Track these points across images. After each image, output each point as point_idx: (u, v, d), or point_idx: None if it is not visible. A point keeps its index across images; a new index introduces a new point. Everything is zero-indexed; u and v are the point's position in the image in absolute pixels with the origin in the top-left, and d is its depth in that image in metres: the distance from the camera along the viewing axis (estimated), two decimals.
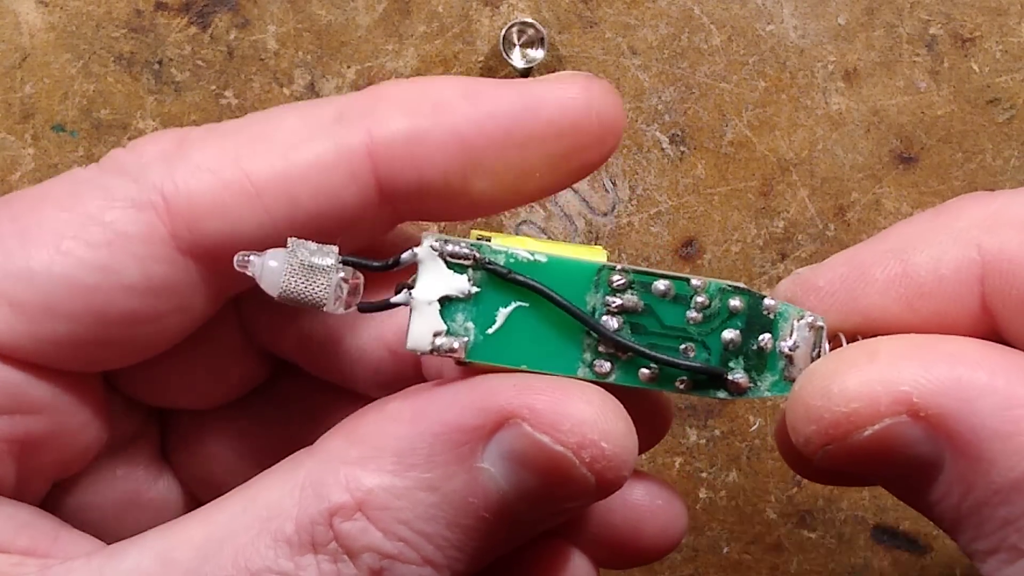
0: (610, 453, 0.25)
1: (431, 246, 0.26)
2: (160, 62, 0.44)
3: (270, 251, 0.26)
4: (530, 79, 0.28)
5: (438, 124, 0.27)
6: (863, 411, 0.24)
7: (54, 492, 0.30)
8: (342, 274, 0.26)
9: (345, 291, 0.26)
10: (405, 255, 0.26)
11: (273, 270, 0.26)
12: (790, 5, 0.44)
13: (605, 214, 0.44)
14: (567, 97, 0.27)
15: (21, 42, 0.44)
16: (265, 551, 0.25)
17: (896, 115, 0.44)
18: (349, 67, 0.44)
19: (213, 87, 0.44)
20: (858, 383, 0.24)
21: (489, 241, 0.26)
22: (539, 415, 0.25)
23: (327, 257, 0.26)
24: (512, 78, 0.44)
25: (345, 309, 0.26)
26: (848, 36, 0.44)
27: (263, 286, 0.26)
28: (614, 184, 0.44)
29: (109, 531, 0.32)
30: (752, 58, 0.44)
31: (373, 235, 0.29)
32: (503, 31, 0.43)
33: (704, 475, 0.45)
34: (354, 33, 0.44)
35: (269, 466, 0.28)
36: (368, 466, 0.25)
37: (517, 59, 0.44)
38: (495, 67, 0.44)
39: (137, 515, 0.33)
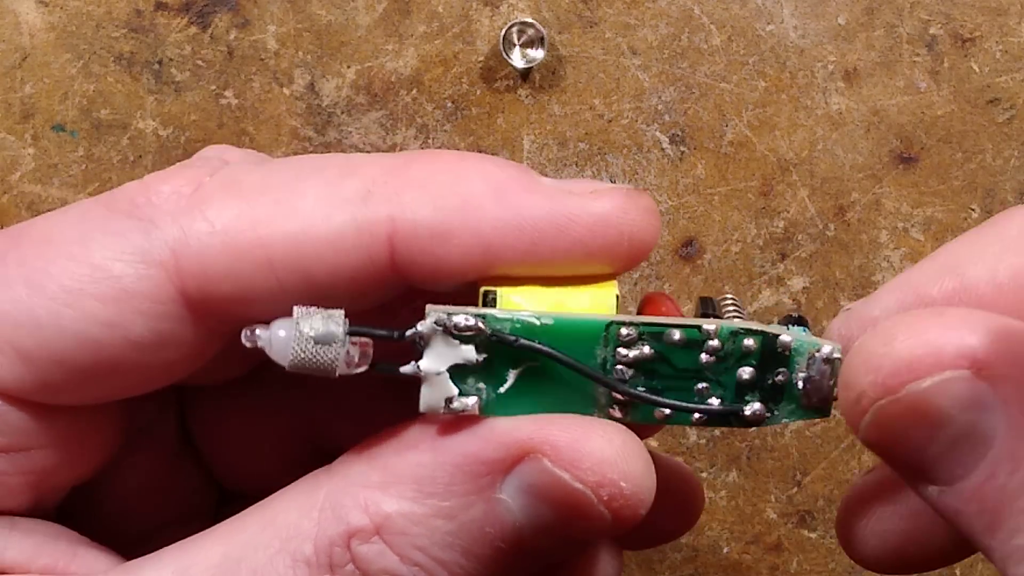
0: (628, 492, 0.25)
1: (435, 322, 0.26)
2: (160, 62, 0.44)
3: (276, 321, 0.26)
4: (567, 184, 0.27)
5: (463, 224, 0.26)
6: (925, 360, 0.23)
7: (75, 487, 0.31)
8: (351, 338, 0.26)
9: (356, 355, 0.26)
10: (409, 332, 0.26)
11: (281, 340, 0.26)
12: (790, 5, 0.44)
13: None
14: (601, 220, 0.27)
15: (21, 42, 0.44)
16: (284, 571, 0.25)
17: (896, 115, 0.44)
18: (349, 67, 0.44)
19: (213, 87, 0.44)
20: (923, 333, 0.23)
21: (495, 295, 0.26)
22: (560, 451, 0.25)
23: (334, 323, 0.26)
24: (512, 78, 0.44)
25: (356, 370, 0.26)
26: (848, 36, 0.44)
27: (273, 357, 0.26)
28: (614, 184, 0.44)
29: (133, 519, 0.32)
30: (752, 58, 0.44)
31: (380, 303, 0.29)
32: (503, 31, 0.43)
33: (704, 475, 0.45)
34: (354, 33, 0.44)
35: (289, 440, 0.28)
36: (388, 491, 0.26)
37: (517, 59, 0.44)
38: (495, 67, 0.44)
39: (160, 501, 0.33)
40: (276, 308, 0.27)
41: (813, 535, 0.45)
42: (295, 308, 0.26)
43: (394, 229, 0.27)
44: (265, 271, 0.27)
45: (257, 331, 0.26)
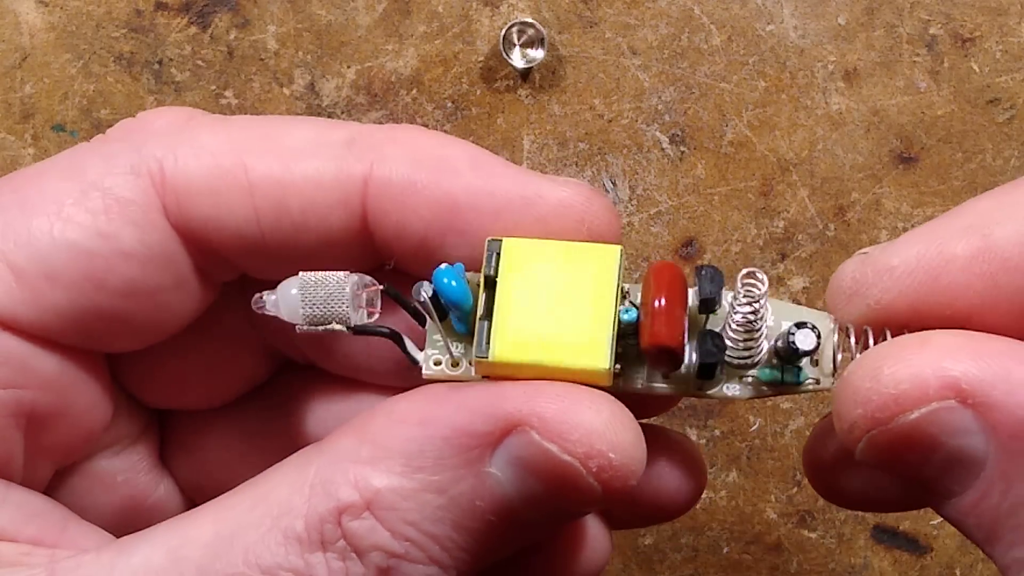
0: (618, 463, 0.25)
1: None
2: (160, 62, 0.44)
3: (284, 282, 0.27)
4: (539, 175, 0.28)
5: (437, 183, 0.28)
6: (911, 393, 0.23)
7: (56, 495, 0.31)
8: (356, 286, 0.27)
9: (364, 300, 0.27)
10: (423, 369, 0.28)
11: (292, 297, 0.26)
12: (790, 5, 0.44)
13: None
14: (565, 203, 0.27)
15: (21, 42, 0.44)
16: (276, 548, 0.25)
17: (896, 115, 0.44)
18: (349, 67, 0.44)
19: (213, 87, 0.44)
20: (908, 366, 0.24)
21: (499, 244, 0.26)
22: (548, 424, 0.25)
23: (337, 274, 0.26)
24: (512, 78, 0.44)
25: (368, 317, 0.27)
26: (848, 36, 0.44)
27: (285, 316, 0.27)
28: (614, 184, 0.44)
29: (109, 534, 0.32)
30: (752, 58, 0.44)
31: (348, 264, 0.29)
32: (503, 31, 0.43)
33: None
34: (354, 33, 0.44)
35: (267, 468, 0.28)
36: (377, 466, 0.26)
37: (517, 59, 0.44)
38: (495, 67, 0.44)
39: (137, 521, 0.33)
40: (252, 246, 0.28)
41: (813, 535, 0.45)
42: (301, 272, 0.27)
43: (371, 175, 0.28)
44: (244, 196, 0.28)
45: (264, 296, 0.27)
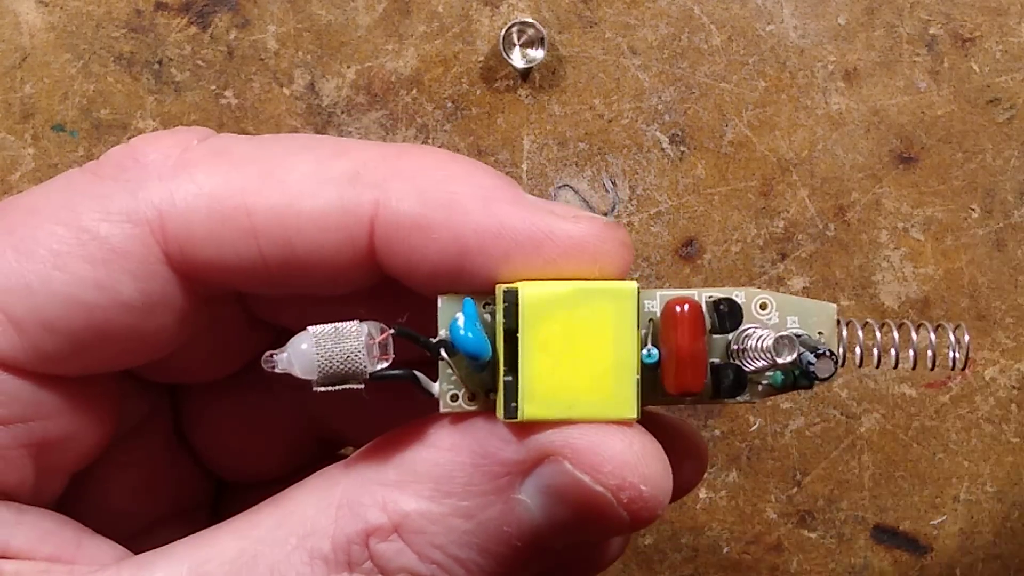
0: (648, 495, 0.25)
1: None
2: (160, 62, 0.44)
3: (294, 338, 0.26)
4: (550, 204, 0.27)
5: (446, 223, 0.27)
6: None
7: (74, 482, 0.31)
8: (369, 336, 0.26)
9: (377, 350, 0.26)
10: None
11: (304, 352, 0.25)
12: (790, 5, 0.44)
13: (605, 214, 0.44)
14: (577, 244, 0.27)
15: (21, 42, 0.44)
16: (301, 567, 0.25)
17: (896, 115, 0.44)
18: (349, 67, 0.44)
19: (213, 87, 0.44)
20: None
21: (516, 293, 0.26)
22: (581, 455, 0.25)
23: (349, 326, 0.26)
24: (512, 78, 0.44)
25: (385, 364, 0.26)
26: (848, 36, 0.44)
27: (300, 373, 0.26)
28: (614, 184, 0.44)
29: (130, 514, 0.32)
30: (752, 58, 0.44)
31: (355, 288, 0.29)
32: (503, 31, 0.43)
33: (704, 475, 0.45)
34: (354, 33, 0.44)
35: (285, 431, 0.28)
36: (406, 490, 0.26)
37: (517, 59, 0.44)
38: (495, 67, 0.44)
39: (157, 496, 0.33)
40: (256, 280, 0.27)
41: (813, 535, 0.45)
42: (309, 327, 0.26)
43: (377, 214, 0.27)
44: (248, 239, 0.27)
45: (275, 355, 0.26)
